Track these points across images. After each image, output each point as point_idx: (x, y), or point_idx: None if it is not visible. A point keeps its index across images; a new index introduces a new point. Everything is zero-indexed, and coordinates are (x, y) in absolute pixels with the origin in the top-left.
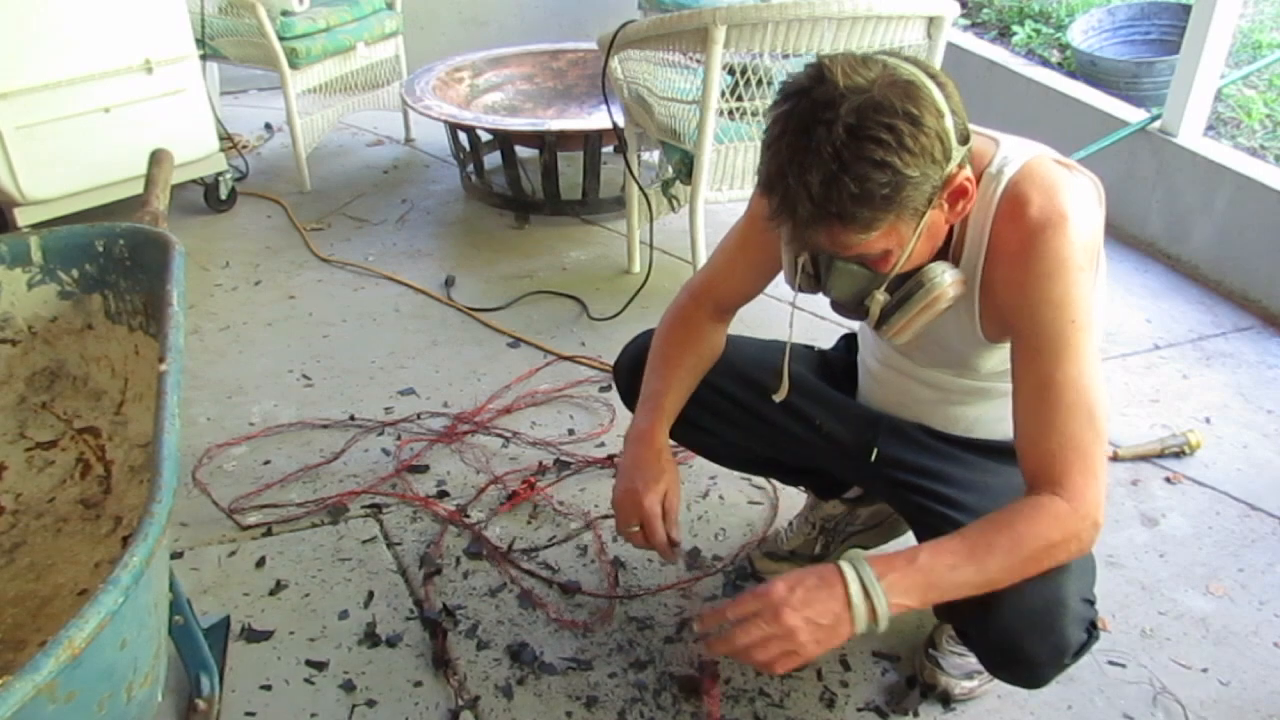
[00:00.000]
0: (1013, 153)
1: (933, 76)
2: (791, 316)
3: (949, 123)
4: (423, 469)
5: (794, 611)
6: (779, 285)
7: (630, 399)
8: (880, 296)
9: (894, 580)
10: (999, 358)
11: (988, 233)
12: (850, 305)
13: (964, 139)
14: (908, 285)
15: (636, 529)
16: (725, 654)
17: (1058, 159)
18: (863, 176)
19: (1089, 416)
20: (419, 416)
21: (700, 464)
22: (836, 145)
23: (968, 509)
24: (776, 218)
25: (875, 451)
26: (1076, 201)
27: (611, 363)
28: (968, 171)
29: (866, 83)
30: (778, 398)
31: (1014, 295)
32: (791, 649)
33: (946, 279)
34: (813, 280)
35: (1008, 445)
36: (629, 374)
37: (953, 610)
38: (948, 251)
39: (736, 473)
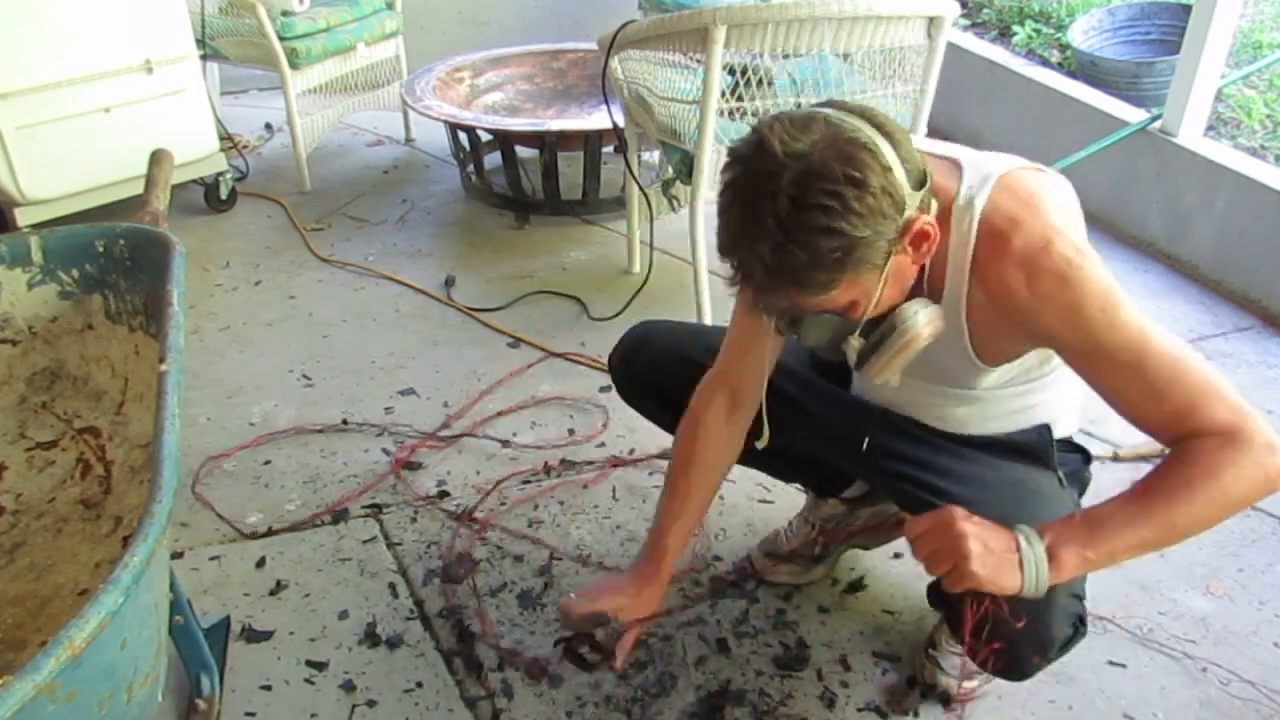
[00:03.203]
0: (977, 178)
1: (879, 127)
2: (767, 362)
3: (898, 175)
4: (420, 467)
5: (968, 523)
6: None
7: (625, 393)
8: (855, 342)
9: (1059, 534)
10: (997, 376)
11: (968, 269)
12: (827, 351)
13: (920, 183)
14: (882, 328)
15: (575, 605)
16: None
17: (1024, 165)
18: (811, 245)
19: (1184, 368)
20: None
21: None
22: (781, 217)
23: (960, 501)
24: (738, 283)
25: (867, 442)
26: (1053, 212)
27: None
28: (929, 216)
29: (807, 147)
30: (760, 444)
31: (1034, 321)
32: (958, 559)
33: (920, 319)
34: (790, 326)
35: (999, 440)
36: (622, 369)
37: (944, 602)
38: (921, 285)
39: (736, 471)
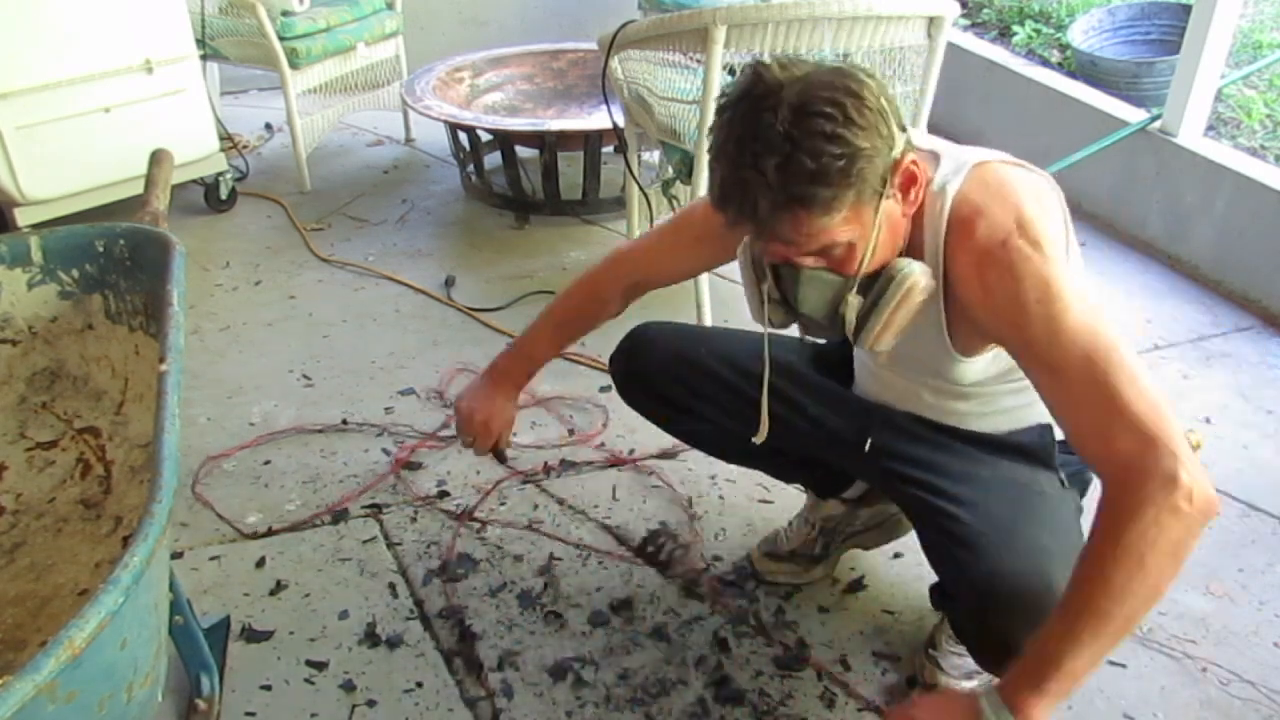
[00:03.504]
0: (952, 166)
1: (864, 72)
2: (765, 349)
3: (886, 105)
4: (420, 467)
5: (928, 715)
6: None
7: (625, 394)
8: (853, 299)
9: (1023, 700)
10: (978, 369)
11: (941, 254)
12: (824, 318)
13: (901, 127)
14: (879, 283)
15: (471, 440)
16: None
17: (1004, 159)
18: (817, 151)
19: (1130, 377)
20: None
21: (700, 464)
22: (785, 127)
23: (961, 500)
24: (737, 222)
25: (869, 442)
26: (1023, 203)
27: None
28: (914, 157)
29: (802, 73)
30: (757, 439)
31: (990, 313)
32: None
33: (915, 268)
34: (782, 308)
35: (1000, 440)
36: (624, 369)
37: (944, 601)
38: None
39: (735, 471)
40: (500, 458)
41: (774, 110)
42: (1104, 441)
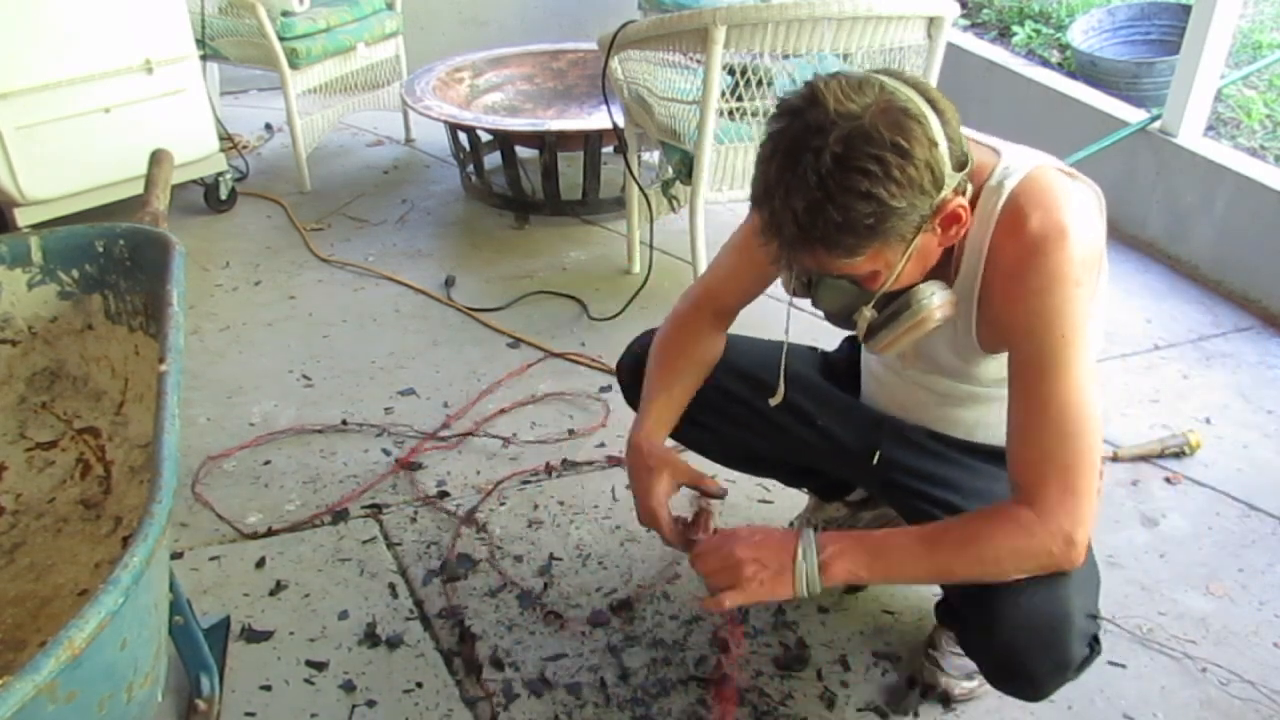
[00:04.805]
0: (1014, 164)
1: (932, 102)
2: (788, 316)
3: (943, 151)
4: (421, 467)
5: (746, 548)
6: (778, 286)
7: (633, 398)
8: (868, 313)
9: (842, 548)
10: (997, 366)
11: (987, 246)
12: (839, 318)
13: (961, 165)
14: (896, 304)
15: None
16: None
17: (1060, 168)
18: (847, 206)
19: (1073, 433)
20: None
21: (700, 464)
22: (823, 174)
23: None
24: (765, 235)
25: (878, 455)
26: (1077, 215)
27: (611, 363)
28: (963, 199)
29: (859, 109)
30: (774, 402)
31: (1009, 309)
32: (735, 581)
33: (935, 300)
34: (806, 288)
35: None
36: (631, 373)
37: (955, 622)
38: (948, 265)
39: (737, 473)
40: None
41: (816, 153)
42: (1030, 479)
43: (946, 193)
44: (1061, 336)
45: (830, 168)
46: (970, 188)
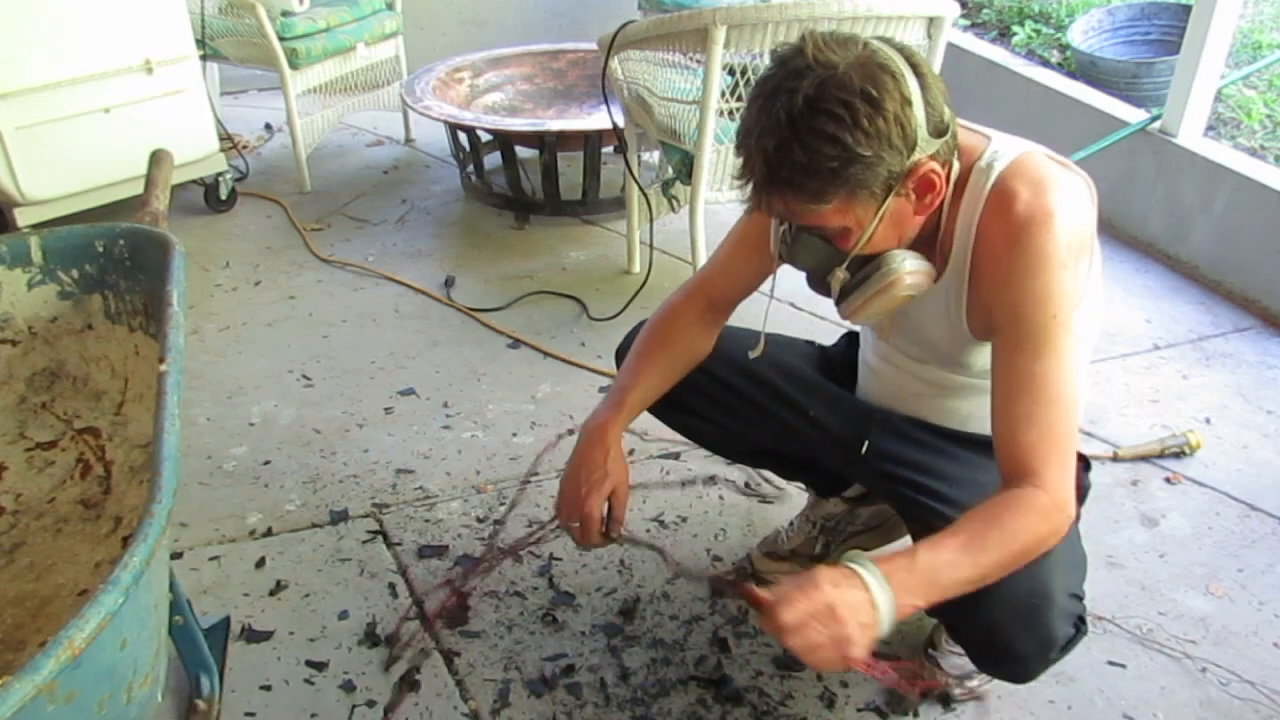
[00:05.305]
0: (1004, 148)
1: (914, 66)
2: (774, 278)
3: (918, 111)
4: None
5: (843, 608)
6: (777, 283)
7: None
8: (840, 274)
9: (901, 581)
10: (987, 355)
11: (975, 226)
12: (816, 278)
13: (939, 132)
14: (867, 268)
15: (576, 525)
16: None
17: (1050, 155)
18: (811, 148)
19: (1066, 411)
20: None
21: (701, 464)
22: (793, 114)
23: (956, 504)
24: (741, 175)
25: (867, 444)
26: (1064, 197)
27: (611, 363)
28: (937, 165)
29: (838, 60)
30: (753, 354)
31: (997, 289)
32: (845, 646)
33: (906, 265)
34: (789, 249)
35: None
36: None
37: (940, 605)
38: (935, 245)
39: (736, 471)
40: (610, 536)
41: (790, 94)
42: (1034, 460)
43: (920, 155)
44: (1053, 317)
45: (800, 109)
46: (957, 166)
